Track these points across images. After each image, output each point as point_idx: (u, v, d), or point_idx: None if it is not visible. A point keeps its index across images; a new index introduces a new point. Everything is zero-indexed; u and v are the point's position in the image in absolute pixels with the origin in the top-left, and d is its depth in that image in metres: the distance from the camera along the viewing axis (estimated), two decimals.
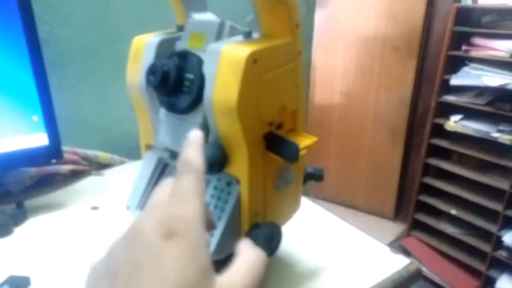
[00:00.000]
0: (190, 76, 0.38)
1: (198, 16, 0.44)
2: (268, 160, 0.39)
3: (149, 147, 0.48)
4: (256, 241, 0.39)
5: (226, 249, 0.40)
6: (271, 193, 0.41)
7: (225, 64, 0.35)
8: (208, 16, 0.44)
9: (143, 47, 0.42)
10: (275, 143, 0.38)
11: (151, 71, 0.38)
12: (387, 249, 0.56)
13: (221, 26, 0.40)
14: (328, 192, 2.08)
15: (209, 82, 0.36)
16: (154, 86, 0.39)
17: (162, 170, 0.46)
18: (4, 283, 0.46)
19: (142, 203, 0.46)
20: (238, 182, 0.39)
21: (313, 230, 0.60)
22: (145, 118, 0.46)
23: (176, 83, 0.38)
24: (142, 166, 0.48)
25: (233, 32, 0.40)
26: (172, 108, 0.41)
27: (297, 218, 0.49)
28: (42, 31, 0.63)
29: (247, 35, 0.39)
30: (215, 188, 0.40)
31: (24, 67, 0.59)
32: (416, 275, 0.51)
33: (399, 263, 0.52)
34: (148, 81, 0.39)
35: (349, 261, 0.53)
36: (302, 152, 0.39)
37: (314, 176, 0.49)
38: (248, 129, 0.36)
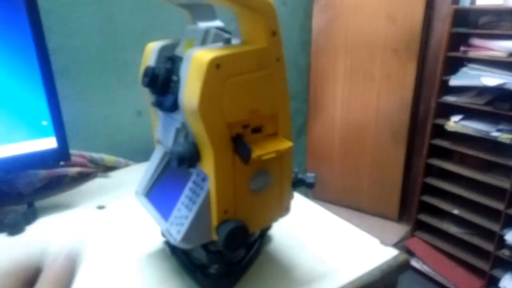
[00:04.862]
0: (175, 78, 0.42)
1: (203, 24, 0.46)
2: (239, 160, 0.40)
3: (158, 141, 0.52)
4: (219, 235, 0.41)
5: (194, 240, 0.43)
6: (244, 193, 0.43)
7: (193, 68, 0.38)
8: (215, 24, 0.47)
9: (150, 52, 0.47)
10: (236, 144, 0.40)
11: (145, 73, 0.43)
12: (377, 241, 0.58)
13: (206, 33, 0.43)
14: (332, 194, 2.10)
15: (182, 84, 0.39)
16: (145, 86, 0.43)
17: (167, 163, 0.51)
18: None
19: (147, 190, 0.51)
20: (209, 178, 0.41)
21: (310, 227, 0.63)
22: (154, 115, 0.51)
23: (163, 84, 0.42)
24: (151, 158, 0.53)
25: (217, 38, 0.43)
26: (160, 106, 0.45)
27: (293, 215, 0.50)
28: (51, 41, 0.67)
29: (227, 41, 0.42)
30: (193, 182, 0.43)
31: (33, 75, 0.63)
32: (404, 265, 0.53)
33: (388, 254, 0.55)
34: (142, 81, 0.43)
35: (341, 253, 0.56)
36: (266, 156, 0.40)
37: (304, 183, 0.49)
38: (211, 129, 0.38)
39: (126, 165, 0.88)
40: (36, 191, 0.73)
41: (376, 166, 1.99)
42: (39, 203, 0.69)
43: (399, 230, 1.96)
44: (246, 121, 0.41)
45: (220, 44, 0.42)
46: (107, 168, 0.85)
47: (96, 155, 0.83)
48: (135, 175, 0.82)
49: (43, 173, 0.73)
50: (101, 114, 0.90)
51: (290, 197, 0.49)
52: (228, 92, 0.38)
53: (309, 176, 0.50)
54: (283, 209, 0.48)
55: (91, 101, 0.89)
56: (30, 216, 0.65)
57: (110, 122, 0.92)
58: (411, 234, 1.79)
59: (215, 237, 0.43)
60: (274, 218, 0.48)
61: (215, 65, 0.37)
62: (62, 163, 0.72)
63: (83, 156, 0.81)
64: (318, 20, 1.88)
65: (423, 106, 1.85)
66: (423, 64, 1.81)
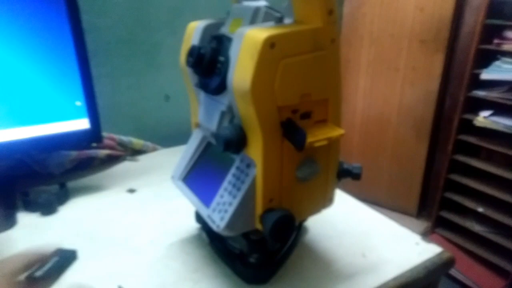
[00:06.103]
0: (222, 58, 0.40)
1: (248, 3, 0.44)
2: (287, 147, 0.39)
3: (197, 125, 0.50)
4: (264, 224, 0.39)
5: (237, 227, 0.41)
6: (290, 181, 0.41)
7: (245, 47, 0.36)
8: (258, 3, 0.44)
9: (193, 31, 0.44)
10: (288, 129, 0.38)
11: (190, 52, 0.41)
12: (418, 237, 0.56)
13: (256, 11, 0.41)
14: (350, 188, 2.07)
15: (232, 65, 0.37)
16: (190, 66, 0.41)
17: (206, 147, 0.49)
18: (53, 255, 0.49)
19: (184, 175, 0.49)
20: (256, 165, 0.39)
21: (347, 219, 0.61)
22: (193, 97, 0.49)
23: (210, 64, 0.40)
24: (189, 142, 0.51)
25: (267, 17, 0.41)
26: (205, 88, 0.43)
27: (330, 208, 0.48)
28: (83, 21, 0.66)
29: (278, 20, 0.39)
30: (237, 168, 0.41)
31: (68, 54, 0.62)
32: (449, 264, 0.51)
33: (432, 251, 0.53)
34: (187, 61, 0.41)
35: (380, 247, 0.54)
36: (318, 143, 0.38)
37: (351, 173, 0.47)
38: (262, 113, 0.36)
39: (154, 149, 0.87)
40: (66, 173, 0.73)
41: (397, 160, 1.95)
42: (70, 185, 0.69)
43: (418, 226, 1.92)
44: (296, 106, 0.39)
45: (272, 23, 0.39)
46: (135, 152, 0.84)
47: (125, 138, 0.83)
48: (164, 160, 0.81)
49: (74, 154, 0.72)
50: (129, 97, 0.89)
51: (334, 188, 0.47)
52: (281, 74, 0.36)
53: (355, 167, 0.47)
54: (327, 200, 0.47)
55: (119, 84, 0.87)
56: (63, 196, 0.65)
57: (138, 105, 0.91)
58: (431, 231, 1.75)
59: (258, 225, 0.41)
60: (318, 209, 0.47)
61: (270, 44, 0.34)
62: (94, 144, 0.72)
63: (112, 139, 0.80)
64: (344, 8, 1.83)
65: (449, 100, 1.80)
66: (452, 57, 1.75)
